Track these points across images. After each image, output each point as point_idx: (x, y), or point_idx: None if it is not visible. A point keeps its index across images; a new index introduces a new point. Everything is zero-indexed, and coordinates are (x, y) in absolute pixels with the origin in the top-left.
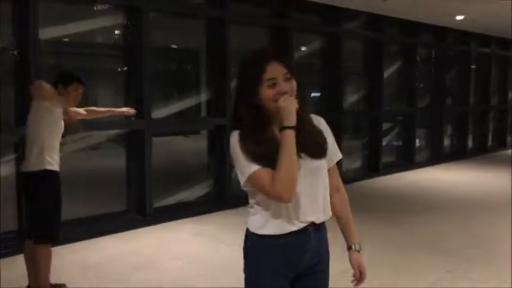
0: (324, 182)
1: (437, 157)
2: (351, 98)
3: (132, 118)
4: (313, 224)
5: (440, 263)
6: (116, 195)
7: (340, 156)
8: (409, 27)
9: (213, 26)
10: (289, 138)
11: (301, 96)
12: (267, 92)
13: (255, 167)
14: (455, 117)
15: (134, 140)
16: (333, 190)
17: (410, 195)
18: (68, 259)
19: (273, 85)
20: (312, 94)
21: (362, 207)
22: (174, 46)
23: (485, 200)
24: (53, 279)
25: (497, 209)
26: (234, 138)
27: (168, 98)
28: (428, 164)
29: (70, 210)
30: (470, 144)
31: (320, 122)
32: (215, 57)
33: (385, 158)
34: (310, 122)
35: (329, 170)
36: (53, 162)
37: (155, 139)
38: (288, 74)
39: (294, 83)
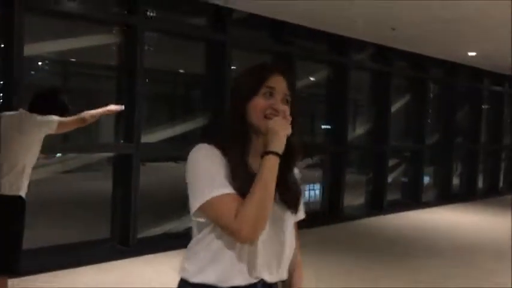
0: (291, 238)
1: (445, 197)
2: (359, 130)
3: (121, 141)
4: (263, 282)
5: None
6: (100, 222)
7: (303, 216)
8: (419, 61)
9: (214, 50)
10: (272, 166)
11: (305, 129)
12: (260, 102)
13: (223, 190)
14: (465, 155)
15: (122, 165)
16: None
17: (413, 237)
18: None
19: (270, 95)
20: (323, 126)
21: (358, 248)
22: (181, 71)
23: (492, 247)
24: None
25: (504, 258)
26: (204, 151)
27: (169, 121)
28: (436, 204)
29: (47, 236)
30: (480, 184)
31: (298, 175)
32: (214, 81)
33: (391, 196)
34: (293, 168)
35: None
36: (24, 189)
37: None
38: (288, 96)
39: (288, 109)
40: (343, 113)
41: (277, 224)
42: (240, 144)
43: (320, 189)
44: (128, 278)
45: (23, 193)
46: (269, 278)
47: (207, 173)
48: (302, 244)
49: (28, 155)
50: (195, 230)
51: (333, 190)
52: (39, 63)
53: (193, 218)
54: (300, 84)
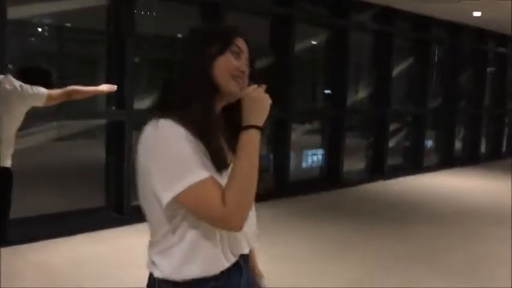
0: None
1: (448, 161)
2: (362, 93)
3: (113, 107)
4: (243, 256)
5: (430, 282)
6: (94, 189)
7: None
8: (422, 22)
9: (207, 12)
10: (255, 143)
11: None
12: (231, 60)
13: (204, 173)
14: (468, 120)
15: (114, 132)
16: None
17: (414, 203)
18: (25, 259)
19: (237, 56)
20: (325, 91)
21: (358, 214)
22: (179, 35)
23: (494, 212)
24: None
25: (507, 223)
26: (168, 128)
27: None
28: (437, 169)
29: (39, 205)
30: (483, 149)
31: None
32: None
33: (392, 161)
34: None
35: None
36: (10, 160)
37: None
38: (248, 62)
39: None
40: (343, 77)
41: None
42: (211, 113)
43: (322, 155)
44: (117, 247)
45: (9, 164)
46: (247, 250)
47: (180, 155)
48: (301, 210)
49: (13, 126)
50: (156, 222)
51: (332, 155)
52: (39, 29)
53: (160, 211)
54: (299, 47)
